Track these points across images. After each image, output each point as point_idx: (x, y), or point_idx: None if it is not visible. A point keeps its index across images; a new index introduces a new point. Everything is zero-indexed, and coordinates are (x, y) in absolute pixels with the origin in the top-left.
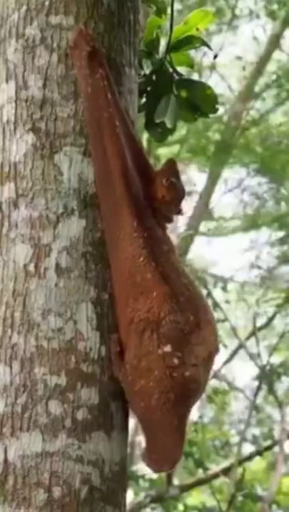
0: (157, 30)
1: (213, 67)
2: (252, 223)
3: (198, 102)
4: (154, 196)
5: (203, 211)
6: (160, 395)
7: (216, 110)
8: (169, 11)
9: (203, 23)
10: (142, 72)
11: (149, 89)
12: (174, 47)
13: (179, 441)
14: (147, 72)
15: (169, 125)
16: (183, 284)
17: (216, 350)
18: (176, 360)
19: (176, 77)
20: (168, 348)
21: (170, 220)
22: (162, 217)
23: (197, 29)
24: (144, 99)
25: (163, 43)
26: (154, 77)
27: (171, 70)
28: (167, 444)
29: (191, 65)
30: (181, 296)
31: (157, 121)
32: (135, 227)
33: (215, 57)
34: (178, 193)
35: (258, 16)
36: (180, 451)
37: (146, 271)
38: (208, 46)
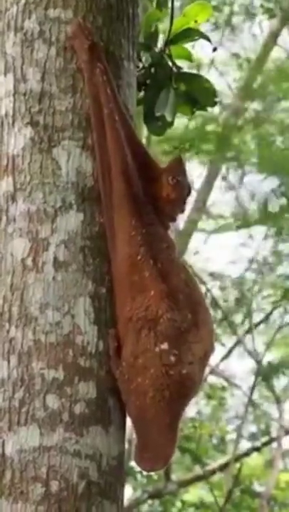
0: (156, 24)
1: (212, 63)
2: (248, 220)
3: (197, 95)
4: (157, 194)
5: (201, 208)
6: (155, 393)
7: (214, 103)
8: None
9: (201, 15)
10: (141, 66)
11: (148, 82)
12: (173, 40)
13: (172, 440)
14: (146, 65)
15: (168, 118)
16: (182, 282)
17: (212, 349)
18: (172, 358)
19: (175, 71)
20: (165, 346)
21: (174, 219)
22: (166, 216)
23: (196, 22)
24: (142, 93)
25: (161, 36)
26: (152, 71)
27: (170, 63)
28: (160, 442)
29: (189, 58)
30: (180, 293)
31: (157, 114)
32: (133, 225)
33: (214, 50)
34: (183, 192)
35: (254, 14)
36: (172, 450)
37: (144, 269)
38: (208, 39)
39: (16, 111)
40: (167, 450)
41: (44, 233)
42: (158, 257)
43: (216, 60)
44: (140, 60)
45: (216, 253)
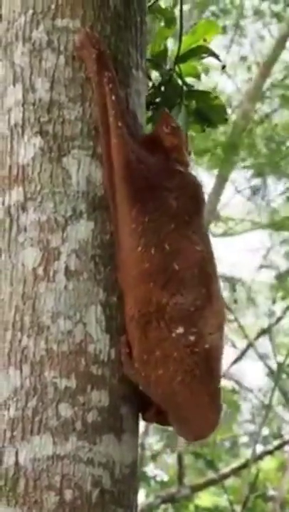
0: (165, 42)
1: (223, 69)
2: (260, 223)
3: (208, 112)
4: (165, 150)
5: (212, 212)
6: (184, 376)
7: (225, 120)
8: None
9: (210, 33)
10: (151, 84)
11: (157, 100)
12: (182, 58)
13: (216, 407)
14: (156, 84)
15: None
16: (197, 256)
17: (225, 319)
18: (192, 338)
19: (185, 89)
20: (180, 330)
21: (187, 163)
22: (179, 163)
23: (205, 40)
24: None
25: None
26: (162, 89)
27: (180, 81)
28: (203, 415)
29: (199, 76)
30: (192, 270)
31: None
32: (134, 216)
33: (223, 67)
34: (182, 135)
35: (262, 15)
36: (218, 416)
37: (144, 260)
38: (217, 56)
39: (26, 121)
40: (209, 424)
41: (55, 242)
42: (164, 240)
43: (224, 62)
44: (150, 79)
45: (225, 255)
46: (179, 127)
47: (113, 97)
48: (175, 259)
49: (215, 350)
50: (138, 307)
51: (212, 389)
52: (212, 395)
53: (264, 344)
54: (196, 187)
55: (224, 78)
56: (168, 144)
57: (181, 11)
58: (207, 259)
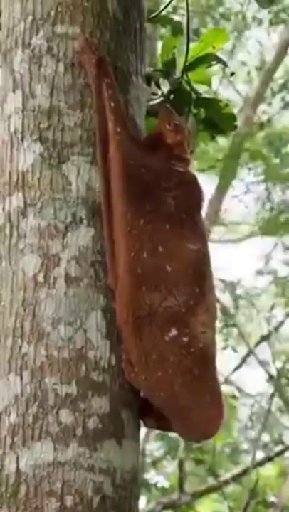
0: (173, 50)
1: (232, 76)
2: (261, 229)
3: (217, 120)
4: (168, 147)
5: (214, 218)
6: (184, 377)
7: (234, 127)
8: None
9: (218, 41)
10: (160, 93)
11: None
12: (191, 66)
13: (219, 405)
14: (165, 92)
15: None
16: (192, 254)
17: (215, 307)
18: (186, 339)
19: (194, 97)
20: (173, 332)
21: (189, 160)
22: (179, 159)
23: (213, 47)
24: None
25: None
26: (171, 97)
27: (188, 89)
28: (206, 414)
29: (208, 83)
30: (187, 270)
31: None
32: (129, 219)
33: (232, 74)
34: (185, 131)
35: (261, 22)
36: (222, 413)
37: (137, 266)
38: (224, 63)
39: (25, 127)
40: (213, 421)
41: (55, 249)
42: (158, 243)
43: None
44: (159, 88)
45: (227, 262)
46: (181, 124)
47: (112, 103)
48: (168, 261)
49: (209, 347)
50: (131, 312)
51: (211, 386)
52: (212, 391)
53: (264, 350)
54: (193, 184)
55: (224, 84)
56: (170, 141)
57: (188, 19)
58: (201, 258)
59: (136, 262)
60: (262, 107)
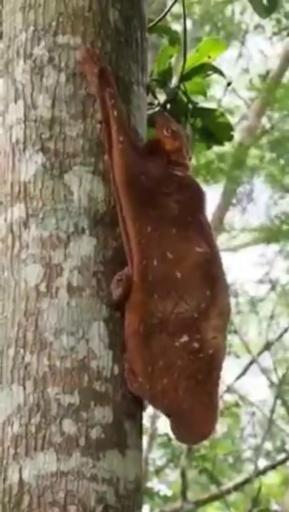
0: (170, 60)
1: (229, 85)
2: (264, 237)
3: (214, 130)
4: (166, 153)
5: (218, 226)
6: (188, 382)
7: (231, 137)
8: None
9: (215, 51)
10: (156, 102)
11: None
12: (187, 75)
13: (214, 411)
14: (161, 102)
15: None
16: (201, 257)
17: (230, 309)
18: (196, 344)
19: (191, 106)
20: (185, 338)
21: (187, 166)
22: (178, 165)
23: (209, 57)
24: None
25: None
26: (168, 107)
27: (185, 99)
28: (203, 419)
29: (204, 93)
30: (196, 272)
31: None
32: (138, 229)
33: (228, 84)
34: (183, 137)
35: (263, 29)
36: (216, 419)
37: (148, 273)
38: (222, 73)
39: (27, 137)
40: (210, 423)
41: (57, 259)
42: (166, 249)
43: (227, 75)
44: (155, 97)
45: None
46: (179, 130)
47: (115, 113)
48: (177, 267)
49: (218, 353)
50: (144, 320)
51: (211, 390)
52: (210, 394)
53: (267, 358)
54: (194, 187)
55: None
56: (169, 147)
57: (184, 29)
58: (210, 259)
59: (147, 270)
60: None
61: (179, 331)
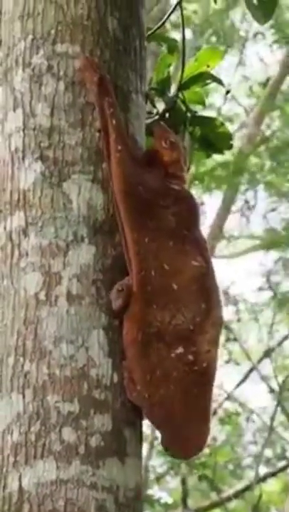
0: (168, 69)
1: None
2: (264, 244)
3: (213, 138)
4: (164, 164)
5: (218, 234)
6: (183, 395)
7: (230, 146)
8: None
9: (213, 60)
10: (155, 111)
11: None
12: (186, 84)
13: (207, 425)
14: (160, 111)
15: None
16: (196, 270)
17: (222, 321)
18: (191, 357)
19: (189, 115)
20: (180, 350)
21: (184, 179)
22: (177, 178)
23: (208, 66)
24: None
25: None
26: (166, 116)
27: (184, 107)
28: (195, 432)
29: (203, 102)
30: (191, 286)
31: None
32: (136, 239)
33: (227, 93)
34: (180, 149)
35: (263, 36)
36: (208, 434)
37: (146, 283)
38: (220, 82)
39: (26, 146)
40: (203, 436)
41: (56, 267)
42: (163, 260)
43: (226, 84)
44: (154, 106)
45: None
46: (177, 141)
47: (114, 121)
48: (174, 279)
49: (210, 366)
50: (142, 329)
51: (205, 404)
52: (204, 408)
53: (267, 365)
54: (190, 201)
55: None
56: (167, 159)
57: (183, 38)
58: (205, 273)
59: (146, 280)
60: (266, 120)
61: (175, 342)
